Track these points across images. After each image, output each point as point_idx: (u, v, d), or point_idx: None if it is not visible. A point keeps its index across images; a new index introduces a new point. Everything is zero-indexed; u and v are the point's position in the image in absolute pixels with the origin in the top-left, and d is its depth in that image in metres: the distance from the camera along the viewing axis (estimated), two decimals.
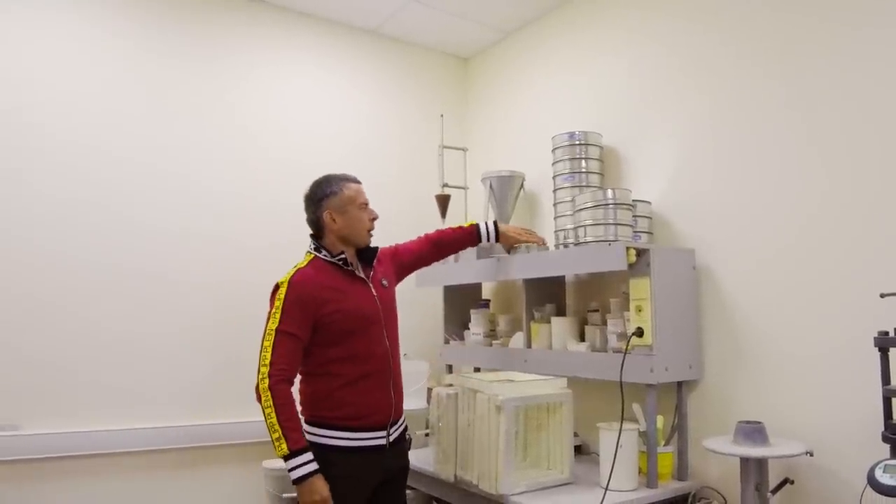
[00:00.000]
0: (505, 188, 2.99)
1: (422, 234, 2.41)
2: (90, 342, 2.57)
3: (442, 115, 3.36)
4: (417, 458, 2.49)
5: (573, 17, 3.04)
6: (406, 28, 3.41)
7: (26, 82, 2.53)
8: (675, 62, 2.54)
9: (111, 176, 2.67)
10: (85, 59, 2.66)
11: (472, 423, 2.21)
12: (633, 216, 2.38)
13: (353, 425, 1.92)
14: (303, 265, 1.99)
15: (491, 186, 2.98)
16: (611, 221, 2.29)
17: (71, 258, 2.56)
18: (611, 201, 2.30)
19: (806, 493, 2.03)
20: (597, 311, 2.60)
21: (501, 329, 2.92)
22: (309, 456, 1.79)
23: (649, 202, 2.52)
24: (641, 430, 2.18)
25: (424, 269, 2.57)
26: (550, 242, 2.74)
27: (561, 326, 2.55)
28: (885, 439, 1.64)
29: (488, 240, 2.46)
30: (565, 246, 2.52)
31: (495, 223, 2.48)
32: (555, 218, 2.71)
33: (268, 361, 1.82)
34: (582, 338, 2.54)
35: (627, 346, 2.17)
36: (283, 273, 1.97)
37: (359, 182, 2.08)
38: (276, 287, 1.93)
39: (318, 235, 2.05)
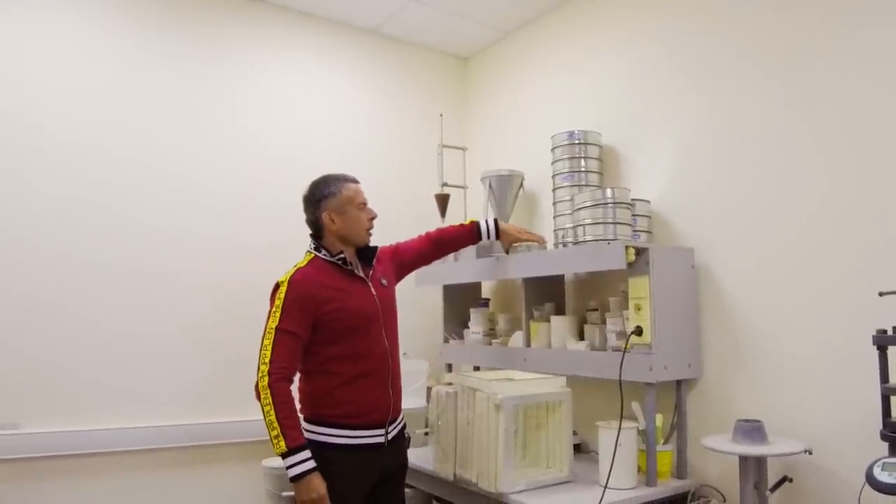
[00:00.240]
0: (504, 187, 2.99)
1: (422, 233, 2.41)
2: (90, 342, 2.57)
3: (441, 115, 3.36)
4: (417, 456, 2.49)
5: (573, 17, 3.04)
6: (406, 28, 3.41)
7: (26, 82, 2.53)
8: (674, 62, 2.54)
9: (111, 176, 2.67)
10: (85, 59, 2.66)
11: (471, 422, 2.21)
12: (633, 215, 2.38)
13: (352, 423, 1.93)
14: (303, 264, 1.99)
15: (490, 186, 2.98)
16: (610, 220, 2.29)
17: (71, 258, 2.56)
18: (610, 200, 2.30)
19: (805, 491, 2.03)
20: (596, 309, 2.61)
21: (501, 328, 2.92)
22: (307, 454, 1.80)
23: (648, 201, 2.52)
24: (641, 428, 2.18)
25: (424, 269, 2.58)
26: (550, 241, 2.74)
27: (560, 325, 2.55)
28: (883, 437, 1.65)
29: (488, 237, 2.47)
30: (564, 245, 2.53)
31: (496, 221, 2.49)
32: (554, 217, 2.71)
33: (267, 359, 1.83)
34: (581, 337, 2.54)
35: (627, 344, 2.18)
36: (284, 272, 1.97)
37: (357, 182, 2.08)
38: (277, 286, 1.94)
39: (317, 235, 2.06)
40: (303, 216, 2.07)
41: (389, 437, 2.01)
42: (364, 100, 3.40)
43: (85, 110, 2.64)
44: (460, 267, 2.88)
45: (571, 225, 2.48)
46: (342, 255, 2.01)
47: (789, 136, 2.15)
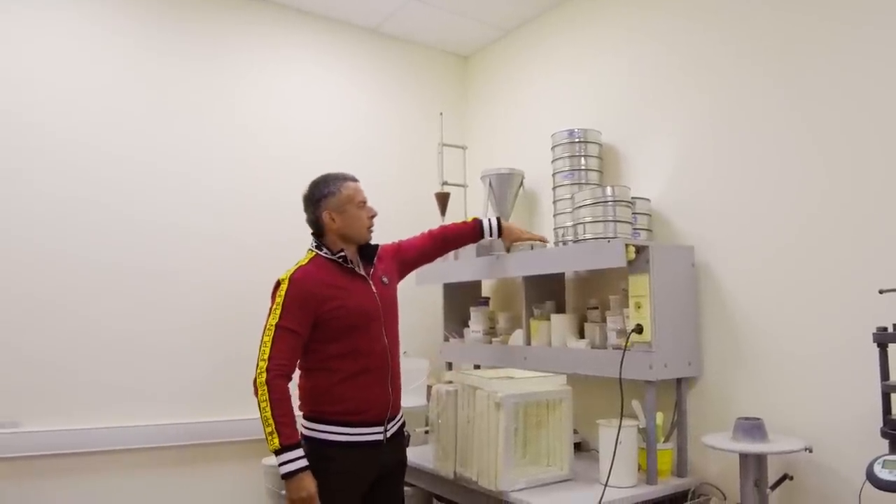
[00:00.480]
0: (504, 186, 2.99)
1: (424, 231, 2.41)
2: (90, 340, 2.57)
3: (441, 114, 3.36)
4: (417, 454, 2.50)
5: (573, 16, 3.04)
6: (406, 26, 3.41)
7: (26, 82, 2.53)
8: (674, 60, 2.54)
9: (111, 174, 2.67)
10: (85, 57, 2.66)
11: (471, 420, 2.22)
12: (633, 213, 2.38)
13: (351, 420, 1.93)
14: (304, 262, 2.00)
15: (490, 184, 2.98)
16: (610, 219, 2.30)
17: (71, 257, 2.56)
18: (610, 198, 2.30)
19: (805, 489, 2.03)
20: (596, 308, 2.61)
21: (501, 326, 2.92)
22: (300, 452, 1.80)
23: (648, 199, 2.53)
24: (641, 426, 2.18)
25: (424, 267, 2.58)
26: (550, 240, 2.74)
27: (560, 323, 2.55)
28: (883, 435, 1.65)
29: (491, 235, 2.46)
30: (564, 243, 2.53)
31: (498, 219, 2.49)
32: (554, 215, 2.71)
33: (266, 356, 1.83)
34: (581, 335, 2.54)
35: (627, 342, 2.18)
36: (284, 270, 1.97)
37: (356, 180, 2.08)
38: (278, 283, 1.94)
39: (319, 235, 2.06)
40: (302, 214, 2.07)
41: (388, 434, 2.01)
42: (364, 98, 3.40)
43: (85, 109, 2.64)
44: (460, 265, 2.88)
45: (571, 223, 2.48)
46: (343, 254, 2.01)
47: (789, 134, 2.15)
